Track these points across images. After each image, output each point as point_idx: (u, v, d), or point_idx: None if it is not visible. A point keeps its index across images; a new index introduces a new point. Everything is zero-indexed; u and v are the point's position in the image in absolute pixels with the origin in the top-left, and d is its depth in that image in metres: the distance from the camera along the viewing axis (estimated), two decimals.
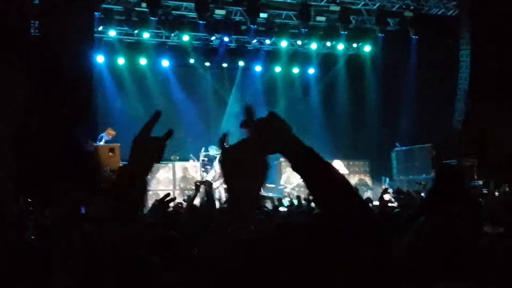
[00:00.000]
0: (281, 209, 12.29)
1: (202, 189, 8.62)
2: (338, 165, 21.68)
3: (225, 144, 2.12)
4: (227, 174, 2.03)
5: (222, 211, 8.10)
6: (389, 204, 9.96)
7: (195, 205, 8.23)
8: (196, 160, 20.99)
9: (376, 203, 11.55)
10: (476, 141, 18.82)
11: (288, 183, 21.10)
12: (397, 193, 11.24)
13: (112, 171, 16.83)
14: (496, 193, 13.57)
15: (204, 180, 18.11)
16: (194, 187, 8.75)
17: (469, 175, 17.24)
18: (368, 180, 23.00)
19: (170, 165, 20.40)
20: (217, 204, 10.56)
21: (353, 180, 22.57)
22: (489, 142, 18.22)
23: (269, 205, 13.25)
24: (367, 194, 22.15)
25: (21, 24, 15.28)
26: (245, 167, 1.97)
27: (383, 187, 19.27)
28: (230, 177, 2.01)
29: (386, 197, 12.44)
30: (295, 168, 2.01)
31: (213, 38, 22.53)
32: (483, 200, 9.43)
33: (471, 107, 19.78)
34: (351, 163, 22.76)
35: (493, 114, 18.55)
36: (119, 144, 17.57)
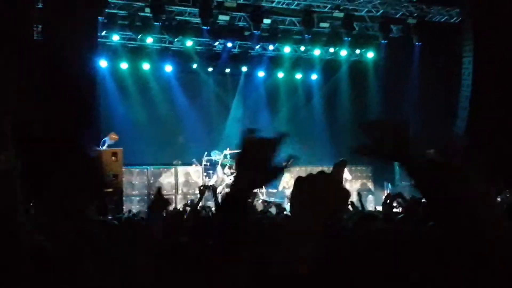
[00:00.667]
0: (286, 213, 12.26)
1: (206, 194, 8.63)
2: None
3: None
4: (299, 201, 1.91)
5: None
6: (394, 210, 9.93)
7: (199, 210, 8.24)
8: (198, 165, 21.00)
9: (379, 208, 11.56)
10: (478, 147, 18.81)
11: (288, 187, 21.11)
12: (400, 198, 11.18)
13: (114, 175, 16.83)
14: (498, 199, 13.56)
15: (207, 185, 18.13)
16: (196, 192, 8.76)
17: None
18: (370, 185, 23.02)
19: (173, 169, 20.42)
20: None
21: (355, 185, 22.58)
22: (492, 148, 18.21)
23: (273, 210, 13.24)
24: (369, 199, 22.16)
25: (24, 29, 15.31)
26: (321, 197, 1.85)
27: (386, 192, 19.25)
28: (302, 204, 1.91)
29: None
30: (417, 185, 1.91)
31: (216, 43, 22.55)
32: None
33: (474, 114, 19.77)
34: (353, 168, 22.77)
35: (496, 120, 18.55)
36: (121, 149, 17.57)
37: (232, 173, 20.97)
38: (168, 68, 22.96)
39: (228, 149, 21.55)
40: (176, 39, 21.81)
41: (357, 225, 5.23)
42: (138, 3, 20.20)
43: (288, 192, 20.65)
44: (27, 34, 15.38)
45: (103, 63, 21.39)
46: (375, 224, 4.91)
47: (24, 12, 15.27)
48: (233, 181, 2.01)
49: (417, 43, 22.35)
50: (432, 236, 2.02)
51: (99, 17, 18.81)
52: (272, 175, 1.99)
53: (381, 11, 21.77)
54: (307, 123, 24.79)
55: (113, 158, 17.09)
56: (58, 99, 15.56)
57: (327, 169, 1.96)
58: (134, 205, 19.01)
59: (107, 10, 19.56)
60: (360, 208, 11.14)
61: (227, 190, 18.40)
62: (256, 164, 1.96)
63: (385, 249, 1.93)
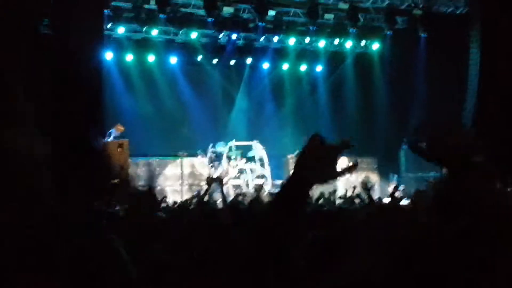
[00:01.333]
0: None
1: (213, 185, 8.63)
2: (344, 162, 21.69)
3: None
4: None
5: (232, 208, 8.14)
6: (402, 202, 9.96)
7: (206, 202, 8.27)
8: (204, 156, 21.04)
9: (386, 200, 11.58)
10: (486, 139, 18.77)
11: None
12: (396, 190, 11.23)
13: (121, 166, 16.89)
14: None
15: (213, 176, 18.16)
16: (201, 184, 8.78)
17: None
18: (375, 177, 22.95)
19: (178, 161, 20.45)
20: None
21: (360, 177, 22.53)
22: (500, 140, 18.18)
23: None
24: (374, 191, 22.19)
25: (32, 22, 15.33)
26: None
27: (392, 184, 19.24)
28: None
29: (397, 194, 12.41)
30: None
31: (221, 35, 22.53)
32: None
33: (481, 105, 19.74)
34: (358, 160, 22.60)
35: (504, 112, 18.52)
36: (127, 140, 17.63)
37: (237, 165, 21.06)
38: (173, 60, 23.00)
39: (233, 140, 21.61)
40: (181, 31, 21.83)
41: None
42: None
43: None
44: (35, 27, 15.40)
45: (108, 55, 21.42)
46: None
47: (32, 5, 15.28)
48: (290, 176, 2.09)
49: (422, 35, 22.30)
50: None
51: (105, 10, 18.83)
52: (330, 177, 2.10)
53: (386, 2, 21.73)
54: (312, 115, 24.80)
55: (119, 149, 17.17)
56: (64, 92, 15.59)
57: None
58: None
59: (112, 3, 19.62)
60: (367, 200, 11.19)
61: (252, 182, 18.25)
62: (316, 166, 2.06)
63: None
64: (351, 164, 2.10)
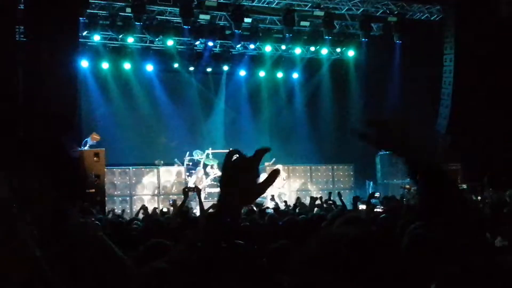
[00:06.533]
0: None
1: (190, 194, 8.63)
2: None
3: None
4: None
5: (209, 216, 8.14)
6: (376, 210, 10.02)
7: (184, 211, 8.27)
8: (180, 165, 20.99)
9: (362, 207, 11.61)
10: (460, 145, 18.97)
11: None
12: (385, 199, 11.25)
13: (97, 176, 16.83)
14: (479, 197, 13.73)
15: (189, 185, 18.12)
16: (178, 192, 8.74)
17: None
18: (351, 184, 23.07)
19: (155, 170, 20.40)
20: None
21: (336, 184, 22.64)
22: (474, 147, 18.37)
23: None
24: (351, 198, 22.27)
25: (7, 29, 15.23)
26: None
27: (370, 191, 19.34)
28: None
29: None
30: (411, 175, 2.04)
31: (197, 42, 22.51)
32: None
33: (455, 111, 19.90)
34: (335, 167, 22.85)
35: (477, 118, 18.69)
36: (103, 149, 17.56)
37: (214, 173, 21.02)
38: (150, 67, 22.89)
39: (210, 148, 21.58)
40: (157, 39, 21.74)
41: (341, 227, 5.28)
42: (119, 3, 20.14)
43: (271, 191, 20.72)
44: (10, 35, 15.30)
45: (84, 63, 21.29)
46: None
47: (6, 13, 15.19)
48: (219, 200, 2.07)
49: (397, 41, 22.43)
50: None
51: (80, 18, 18.73)
52: (259, 189, 2.05)
53: (361, 9, 21.81)
54: (289, 122, 24.87)
55: (95, 158, 17.10)
56: (39, 99, 15.51)
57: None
58: (116, 205, 18.96)
59: (88, 11, 19.50)
60: (341, 207, 11.27)
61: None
62: (242, 183, 2.02)
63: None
64: (273, 169, 2.06)
